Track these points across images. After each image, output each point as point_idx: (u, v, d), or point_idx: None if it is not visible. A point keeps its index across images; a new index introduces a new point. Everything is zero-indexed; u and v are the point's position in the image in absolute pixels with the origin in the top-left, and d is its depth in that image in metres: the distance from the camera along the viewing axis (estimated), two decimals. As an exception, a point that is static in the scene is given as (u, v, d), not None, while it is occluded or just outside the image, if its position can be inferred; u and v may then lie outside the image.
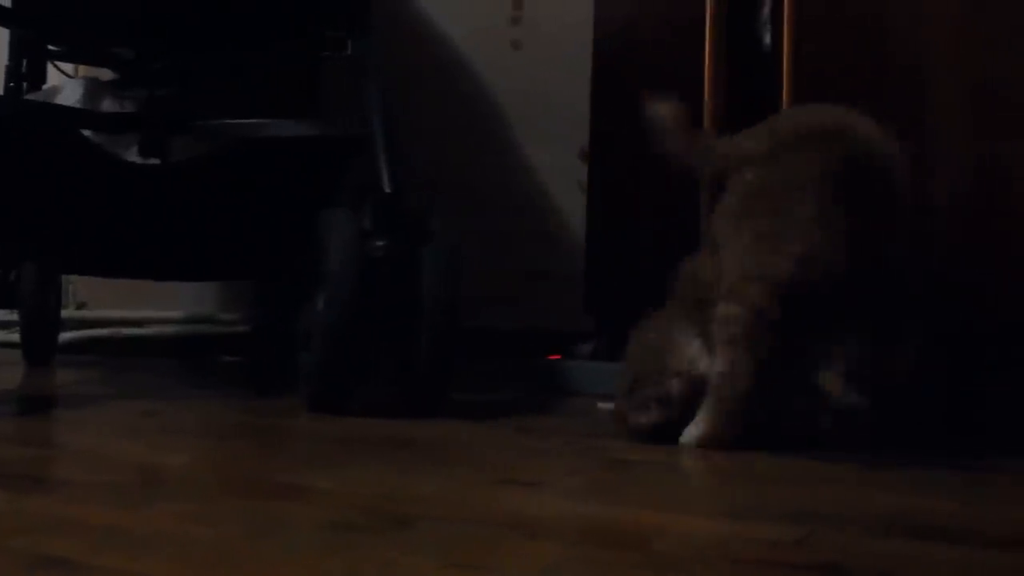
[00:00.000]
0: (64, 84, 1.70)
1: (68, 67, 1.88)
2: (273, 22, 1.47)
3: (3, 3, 1.62)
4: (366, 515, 0.71)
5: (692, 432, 1.03)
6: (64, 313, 1.97)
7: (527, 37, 2.11)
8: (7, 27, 1.68)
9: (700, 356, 1.06)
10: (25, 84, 1.66)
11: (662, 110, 1.17)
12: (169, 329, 2.03)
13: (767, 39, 1.47)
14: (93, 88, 1.64)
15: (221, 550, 0.61)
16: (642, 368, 1.10)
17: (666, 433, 1.06)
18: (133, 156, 1.51)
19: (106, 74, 1.85)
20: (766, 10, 1.47)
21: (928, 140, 1.31)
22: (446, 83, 2.11)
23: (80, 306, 2.20)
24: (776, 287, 1.00)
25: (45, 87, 1.71)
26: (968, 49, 1.30)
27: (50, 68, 1.74)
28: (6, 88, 1.65)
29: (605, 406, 1.38)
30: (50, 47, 1.74)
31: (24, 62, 1.64)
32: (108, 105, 1.61)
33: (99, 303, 2.15)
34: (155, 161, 1.51)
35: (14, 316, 2.06)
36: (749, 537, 0.68)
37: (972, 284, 1.29)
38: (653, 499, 0.80)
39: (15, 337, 2.11)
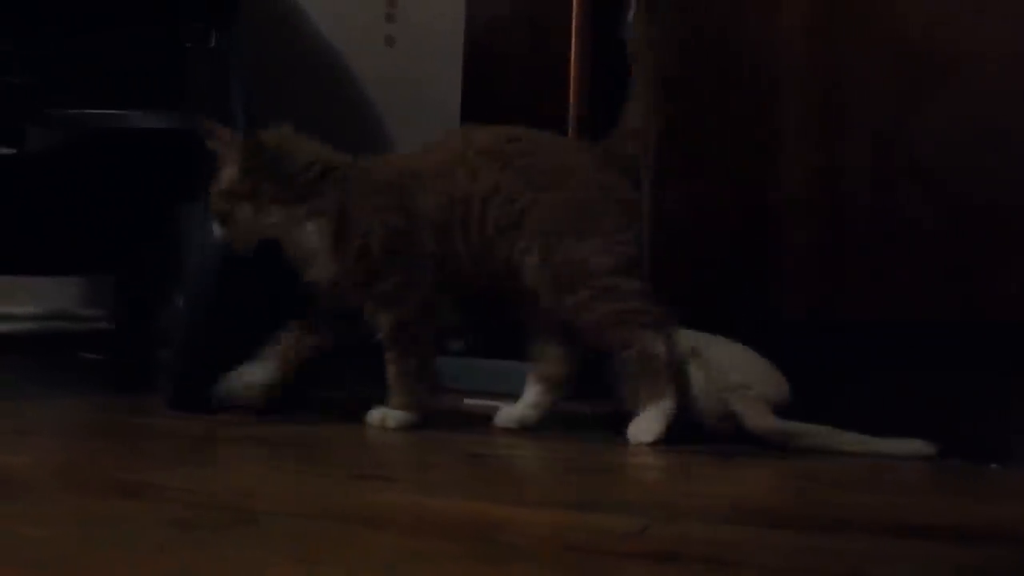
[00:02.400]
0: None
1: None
2: (131, 9, 1.43)
3: None
4: (213, 512, 0.70)
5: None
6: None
7: (401, 33, 2.11)
8: None
9: None
10: None
11: None
12: (25, 325, 1.95)
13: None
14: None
15: (54, 551, 0.59)
16: None
17: None
18: (-16, 146, 1.45)
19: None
20: (631, 13, 1.50)
21: (776, 139, 1.37)
22: (319, 78, 2.09)
23: (-70, 302, 2.10)
24: None
25: None
26: (815, 54, 1.36)
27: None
28: None
29: (472, 402, 1.39)
30: None
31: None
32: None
33: (-50, 299, 2.05)
34: (8, 151, 1.45)
35: None
36: (589, 528, 0.70)
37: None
38: (502, 492, 0.81)
39: None
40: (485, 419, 1.26)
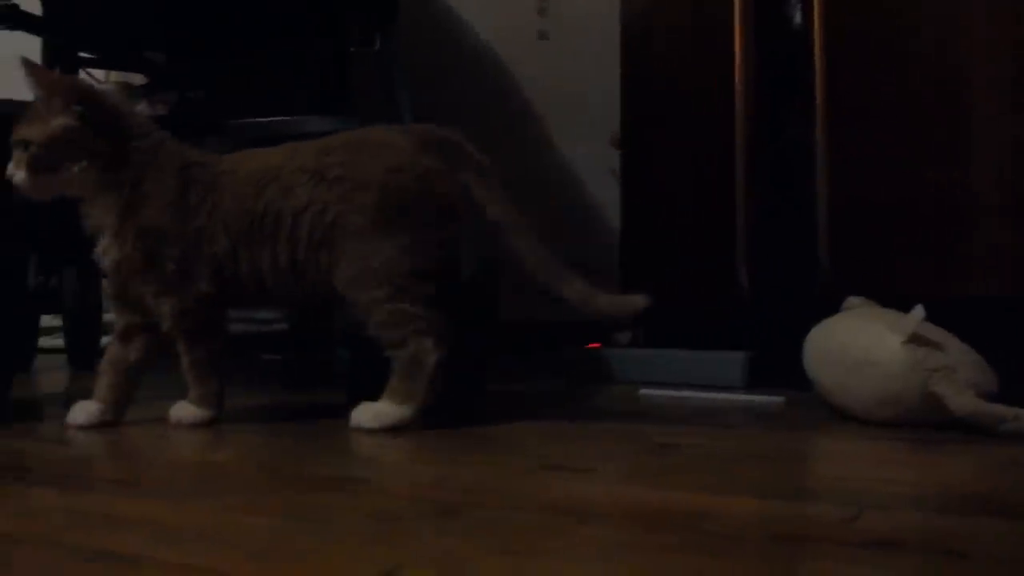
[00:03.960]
0: (97, 90, 1.71)
1: (99, 73, 1.89)
2: (301, 19, 1.48)
3: (35, 13, 1.63)
4: (414, 504, 0.71)
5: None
6: (106, 317, 1.99)
7: (554, 27, 2.11)
8: (40, 35, 1.70)
9: None
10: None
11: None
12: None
13: (797, 17, 1.45)
14: (125, 93, 1.65)
15: (271, 542, 0.61)
16: None
17: None
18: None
19: (137, 79, 1.87)
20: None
21: (964, 113, 1.30)
22: (474, 75, 2.12)
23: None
24: None
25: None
26: (1003, 25, 1.29)
27: (81, 75, 1.76)
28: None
29: (648, 392, 1.38)
30: (81, 54, 1.76)
31: (56, 70, 1.66)
32: (140, 109, 1.62)
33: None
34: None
35: (58, 322, 2.09)
36: (797, 516, 0.67)
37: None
38: (699, 481, 0.79)
39: (59, 342, 2.14)
40: (661, 408, 1.25)
